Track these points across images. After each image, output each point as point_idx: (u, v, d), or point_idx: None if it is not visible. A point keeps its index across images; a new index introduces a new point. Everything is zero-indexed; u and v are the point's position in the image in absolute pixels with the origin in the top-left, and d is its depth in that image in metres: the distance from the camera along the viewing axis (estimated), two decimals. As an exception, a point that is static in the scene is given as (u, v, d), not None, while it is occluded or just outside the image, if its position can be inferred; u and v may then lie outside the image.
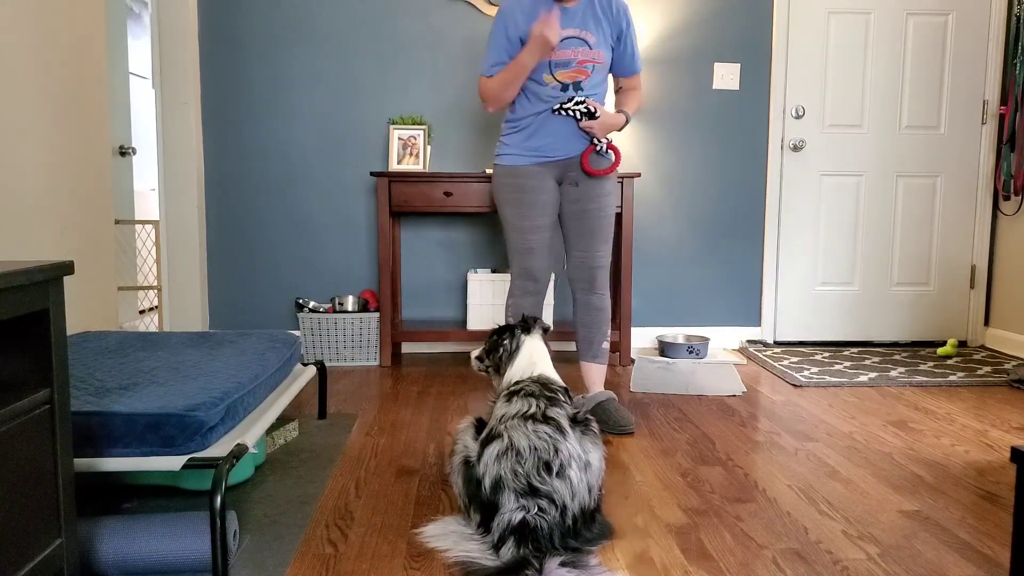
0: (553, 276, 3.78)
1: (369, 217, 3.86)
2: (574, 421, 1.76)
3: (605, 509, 1.89)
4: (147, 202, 5.70)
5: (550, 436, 1.65)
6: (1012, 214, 3.89)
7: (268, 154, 3.81)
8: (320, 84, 3.78)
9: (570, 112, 2.56)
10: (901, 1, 3.88)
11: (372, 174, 3.51)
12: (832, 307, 4.04)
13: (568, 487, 1.62)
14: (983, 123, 3.97)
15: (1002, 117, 3.89)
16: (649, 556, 1.68)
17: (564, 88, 2.56)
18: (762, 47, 3.90)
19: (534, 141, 2.61)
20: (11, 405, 1.15)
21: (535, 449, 1.63)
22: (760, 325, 4.05)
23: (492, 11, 3.75)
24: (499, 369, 2.04)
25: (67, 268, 1.26)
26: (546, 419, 1.69)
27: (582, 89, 2.58)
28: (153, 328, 4.06)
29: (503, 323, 2.19)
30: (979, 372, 3.41)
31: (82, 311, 2.74)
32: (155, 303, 3.92)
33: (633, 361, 3.64)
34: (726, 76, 3.90)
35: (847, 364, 3.56)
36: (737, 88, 3.91)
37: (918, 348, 3.97)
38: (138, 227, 4.34)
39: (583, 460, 1.67)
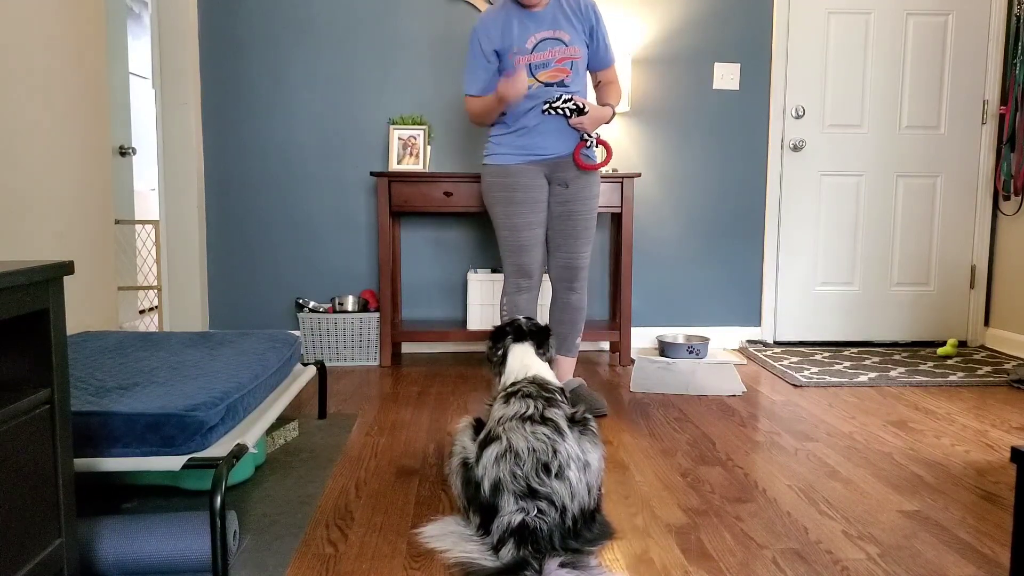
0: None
1: (369, 217, 3.86)
2: (572, 421, 1.76)
3: (605, 509, 1.89)
4: (147, 202, 5.70)
5: (548, 437, 1.65)
6: (1012, 214, 3.89)
7: (268, 154, 3.81)
8: (320, 84, 3.78)
9: (559, 111, 2.59)
10: (901, 1, 3.88)
11: (372, 174, 3.52)
12: (832, 307, 4.04)
13: (567, 488, 1.61)
14: (983, 123, 3.97)
15: (1002, 117, 3.89)
16: (649, 556, 1.68)
17: (547, 86, 2.61)
18: (762, 47, 3.90)
19: (525, 140, 2.65)
20: (11, 405, 1.15)
21: (534, 451, 1.63)
22: (760, 325, 4.05)
23: (492, 11, 3.75)
24: (499, 372, 2.08)
25: (67, 268, 1.26)
26: (544, 420, 1.69)
27: (566, 86, 2.62)
28: (153, 328, 4.06)
29: (499, 322, 2.21)
30: (979, 372, 3.41)
31: (82, 311, 2.74)
32: (155, 303, 3.93)
33: (633, 361, 3.64)
34: (726, 76, 3.90)
35: (847, 364, 3.56)
36: (737, 88, 3.91)
37: (918, 348, 3.97)
38: (138, 227, 4.34)
39: (582, 461, 1.67)
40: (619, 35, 3.83)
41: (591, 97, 3.08)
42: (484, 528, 1.64)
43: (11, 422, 1.15)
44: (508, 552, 1.56)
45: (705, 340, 3.76)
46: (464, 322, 3.78)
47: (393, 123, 3.71)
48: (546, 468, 1.61)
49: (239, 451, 1.66)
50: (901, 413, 2.82)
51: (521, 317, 2.21)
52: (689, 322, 4.04)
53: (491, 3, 3.76)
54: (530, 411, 1.71)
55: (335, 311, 3.65)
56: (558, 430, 1.68)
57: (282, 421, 2.49)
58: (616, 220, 3.72)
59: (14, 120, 2.35)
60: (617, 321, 3.68)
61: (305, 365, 2.61)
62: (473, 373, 3.48)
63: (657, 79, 3.89)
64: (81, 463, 1.58)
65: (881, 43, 3.91)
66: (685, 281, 4.02)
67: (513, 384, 1.88)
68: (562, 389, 1.90)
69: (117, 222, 3.65)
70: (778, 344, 4.05)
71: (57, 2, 2.58)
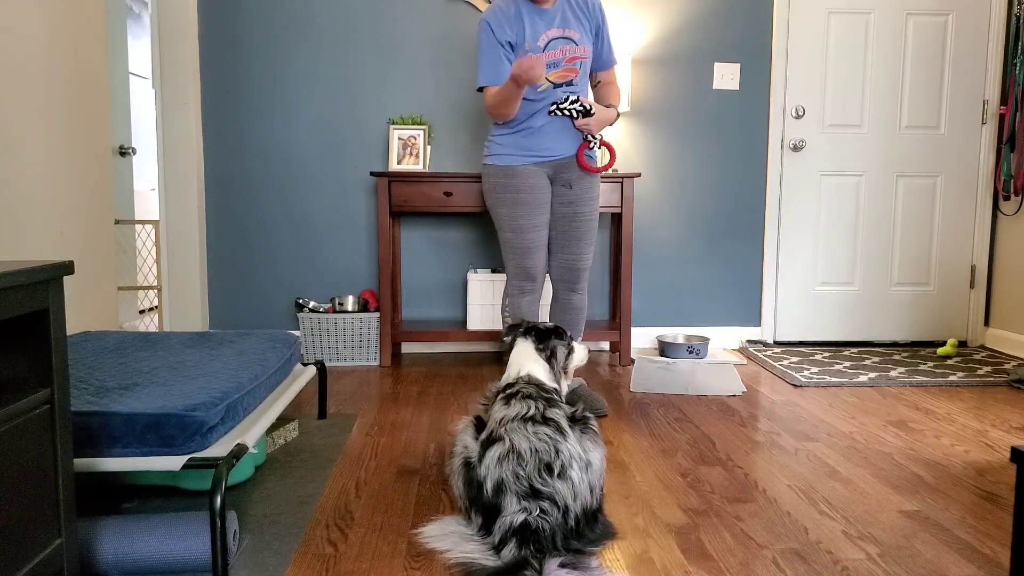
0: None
1: (369, 217, 3.86)
2: (573, 420, 1.77)
3: (605, 509, 1.89)
4: (147, 202, 5.70)
5: (550, 437, 1.65)
6: (1012, 214, 3.89)
7: (268, 154, 3.81)
8: (320, 84, 3.78)
9: (566, 112, 2.58)
10: (901, 1, 3.88)
11: (372, 174, 3.52)
12: (832, 307, 4.04)
13: (570, 488, 1.62)
14: (983, 123, 3.97)
15: (1002, 117, 3.89)
16: (649, 556, 1.68)
17: (556, 87, 2.58)
18: (762, 47, 3.90)
19: (530, 141, 2.63)
20: (11, 405, 1.15)
21: (536, 451, 1.63)
22: (760, 325, 4.05)
23: (492, 11, 3.75)
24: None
25: (67, 268, 1.26)
26: (546, 420, 1.69)
27: (573, 85, 2.61)
28: (153, 328, 4.06)
29: (502, 323, 2.21)
30: (979, 372, 3.41)
31: (82, 311, 2.74)
32: (155, 303, 3.93)
33: (633, 361, 3.64)
34: (726, 76, 3.90)
35: (847, 364, 3.56)
36: (737, 88, 3.91)
37: (918, 348, 3.97)
38: (138, 227, 4.34)
39: (584, 460, 1.67)
40: (619, 35, 3.83)
41: (590, 97, 3.07)
42: (486, 528, 1.64)
43: (11, 422, 1.15)
44: (510, 552, 1.56)
45: (705, 340, 3.76)
46: (464, 322, 3.78)
47: (393, 123, 3.71)
48: (548, 468, 1.61)
49: (239, 451, 1.66)
50: (901, 413, 2.82)
51: (541, 325, 2.15)
52: (689, 322, 4.04)
53: (490, 3, 3.76)
54: (531, 412, 1.71)
55: (335, 311, 3.65)
56: (560, 430, 1.68)
57: (282, 421, 2.49)
58: (616, 220, 3.72)
59: (14, 120, 2.35)
60: (617, 321, 3.68)
61: (305, 365, 2.61)
62: (473, 373, 3.48)
63: (657, 79, 3.88)
64: (81, 463, 1.58)
65: (881, 43, 3.91)
66: (685, 281, 4.02)
67: (510, 384, 1.87)
68: (556, 389, 1.90)
69: (117, 222, 3.65)
70: (778, 344, 4.05)
71: (57, 2, 2.58)
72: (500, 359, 2.15)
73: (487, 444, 1.69)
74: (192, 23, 3.64)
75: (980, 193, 4.00)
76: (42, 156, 2.50)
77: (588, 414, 1.81)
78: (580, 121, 2.60)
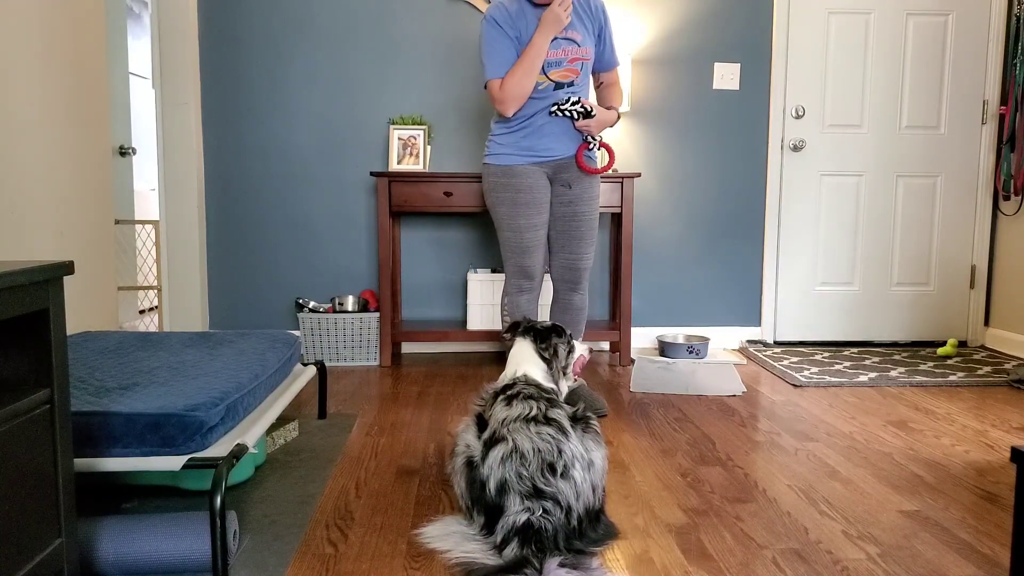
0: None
1: (369, 217, 3.86)
2: (574, 420, 1.77)
3: (605, 509, 1.89)
4: (147, 202, 5.70)
5: (553, 437, 1.65)
6: (1012, 214, 3.89)
7: (268, 154, 3.81)
8: (320, 84, 3.78)
9: (567, 112, 2.59)
10: (901, 1, 3.88)
11: (372, 174, 3.52)
12: (832, 307, 4.04)
13: (572, 487, 1.62)
14: (983, 123, 3.97)
15: (1002, 117, 3.89)
16: (649, 556, 1.68)
17: (558, 87, 2.59)
18: (762, 47, 3.90)
19: (530, 141, 2.63)
20: (11, 405, 1.15)
21: (539, 451, 1.63)
22: (760, 325, 4.05)
23: (492, 11, 3.75)
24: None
25: (67, 268, 1.26)
26: (548, 420, 1.69)
27: (574, 86, 2.62)
28: (153, 328, 4.05)
29: (501, 322, 2.21)
30: (979, 372, 3.41)
31: (82, 311, 2.74)
32: (155, 303, 3.93)
33: (633, 361, 3.64)
34: (726, 76, 3.90)
35: (847, 364, 3.56)
36: (737, 88, 3.91)
37: (918, 348, 3.97)
38: (138, 227, 4.34)
39: (586, 459, 1.67)
40: (619, 35, 3.83)
41: (592, 98, 3.08)
42: (488, 528, 1.64)
43: (11, 422, 1.15)
44: (512, 552, 1.56)
45: (705, 340, 3.76)
46: (464, 322, 3.78)
47: (393, 123, 3.71)
48: (551, 468, 1.61)
49: (239, 451, 1.66)
50: (901, 413, 2.82)
51: (540, 324, 2.15)
52: (689, 322, 4.04)
53: (491, 2, 3.76)
54: (533, 412, 1.71)
55: (335, 311, 3.65)
56: (562, 430, 1.68)
57: (282, 421, 2.49)
58: (616, 220, 3.72)
59: (14, 120, 2.35)
60: (617, 321, 3.68)
61: (305, 365, 2.61)
62: (473, 373, 3.48)
63: (657, 79, 3.88)
64: (81, 463, 1.58)
65: (881, 43, 3.91)
66: (685, 281, 4.02)
67: (508, 385, 1.87)
68: (553, 390, 1.91)
69: (117, 222, 3.65)
70: (778, 344, 4.05)
71: (57, 2, 2.58)
72: (500, 359, 2.16)
73: (490, 444, 1.69)
74: (192, 23, 3.64)
75: (980, 193, 4.00)
76: (42, 156, 2.50)
77: (589, 414, 1.81)
78: (580, 122, 2.61)
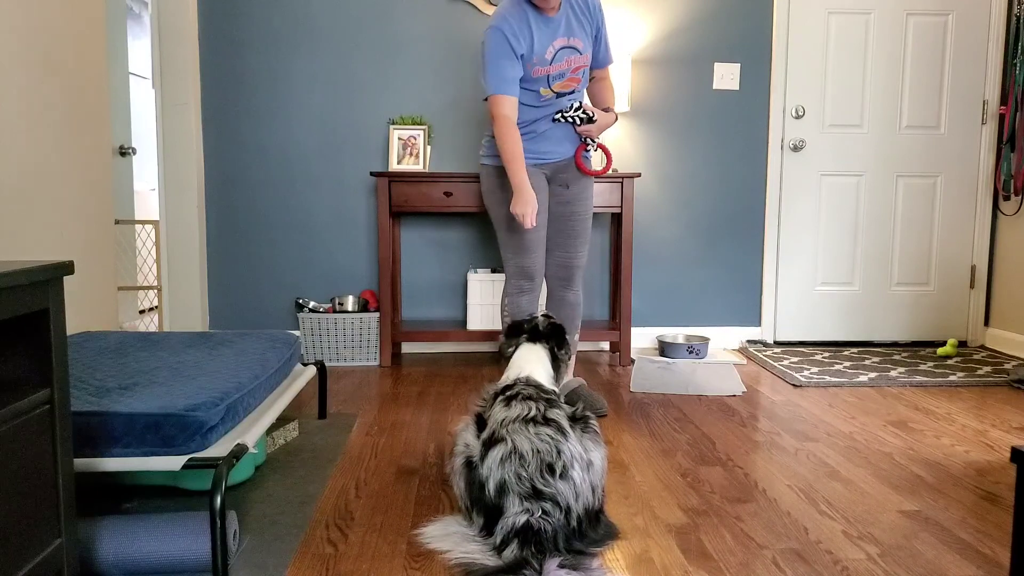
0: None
1: (369, 217, 3.86)
2: (573, 420, 1.77)
3: (605, 509, 1.89)
4: (147, 202, 5.70)
5: (552, 438, 1.65)
6: (1012, 214, 3.89)
7: (268, 154, 3.81)
8: (320, 84, 3.78)
9: (570, 119, 2.63)
10: (901, 1, 3.88)
11: (372, 174, 3.52)
12: (832, 307, 4.04)
13: (571, 488, 1.62)
14: (983, 123, 3.96)
15: (1002, 117, 3.89)
16: (649, 556, 1.68)
17: (559, 96, 2.61)
18: (762, 47, 3.90)
19: (533, 145, 2.66)
20: (11, 405, 1.15)
21: (538, 452, 1.63)
22: (760, 325, 4.05)
23: (492, 11, 3.75)
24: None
25: (67, 268, 1.26)
26: (547, 421, 1.69)
27: (574, 93, 2.64)
28: (153, 328, 4.05)
29: (501, 322, 2.22)
30: (979, 372, 3.41)
31: (82, 311, 2.74)
32: (155, 303, 3.93)
33: (633, 361, 3.64)
34: (726, 76, 3.90)
35: (847, 364, 3.56)
36: (737, 88, 3.91)
37: (918, 348, 3.97)
38: (138, 227, 4.34)
39: (585, 460, 1.67)
40: (619, 35, 3.83)
41: (586, 98, 3.09)
42: (487, 529, 1.64)
43: (11, 422, 1.15)
44: (512, 553, 1.56)
45: (705, 340, 3.76)
46: (464, 322, 3.78)
47: (393, 123, 3.71)
48: (550, 469, 1.61)
49: (239, 451, 1.66)
50: (901, 413, 2.82)
51: (540, 316, 2.19)
52: (689, 322, 4.04)
53: (492, 3, 3.76)
54: (532, 413, 1.71)
55: (335, 311, 3.65)
56: (561, 430, 1.68)
57: (282, 421, 2.49)
58: (616, 220, 3.72)
59: (14, 120, 2.35)
60: (617, 321, 3.68)
61: (305, 365, 2.61)
62: (473, 373, 3.48)
63: (657, 79, 3.88)
64: (81, 463, 1.58)
65: (881, 43, 3.90)
66: (685, 281, 4.02)
67: (509, 385, 1.87)
68: (554, 391, 1.91)
69: (117, 222, 3.65)
70: (778, 344, 4.05)
71: (57, 2, 2.58)
72: (500, 359, 2.17)
73: (489, 445, 1.69)
74: (192, 23, 3.64)
75: (980, 193, 4.00)
76: (42, 156, 2.50)
77: (588, 414, 1.81)
78: (583, 127, 2.64)
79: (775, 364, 3.54)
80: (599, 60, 2.73)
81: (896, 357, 3.73)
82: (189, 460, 1.61)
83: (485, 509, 1.65)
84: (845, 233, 4.01)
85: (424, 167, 3.68)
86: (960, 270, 4.05)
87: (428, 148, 3.73)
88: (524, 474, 1.61)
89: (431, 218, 3.90)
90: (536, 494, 1.59)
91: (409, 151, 3.68)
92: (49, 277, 1.22)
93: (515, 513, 1.58)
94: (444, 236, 3.91)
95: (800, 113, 3.91)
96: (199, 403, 1.66)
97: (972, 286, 4.05)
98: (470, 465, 1.71)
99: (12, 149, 2.34)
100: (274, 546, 1.72)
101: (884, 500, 2.00)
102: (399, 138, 3.68)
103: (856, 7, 3.87)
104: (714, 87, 3.90)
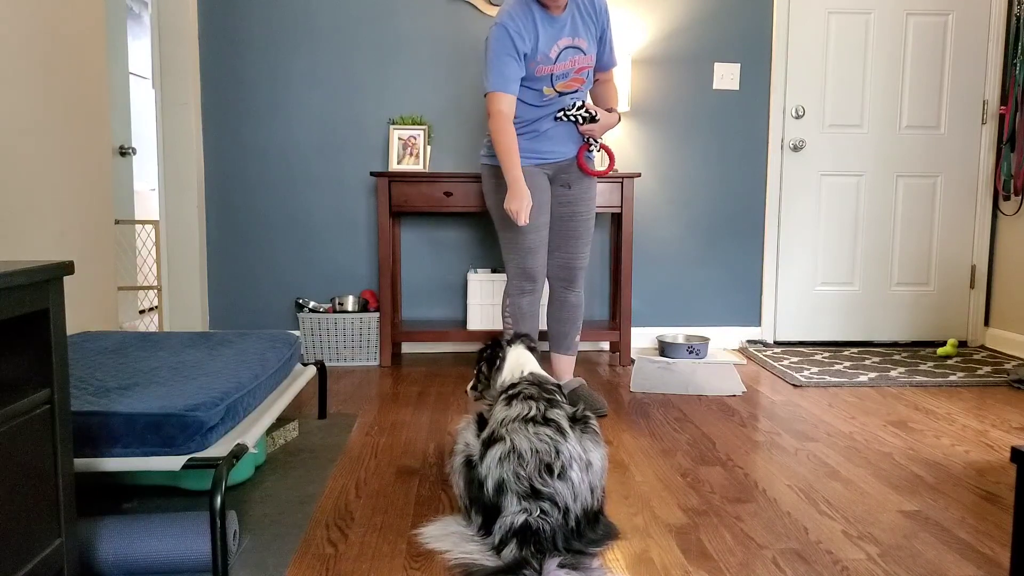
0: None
1: (369, 217, 3.86)
2: (573, 420, 1.77)
3: (605, 509, 1.89)
4: (147, 202, 5.70)
5: (551, 438, 1.65)
6: (1012, 214, 3.89)
7: (268, 154, 3.81)
8: (320, 84, 3.78)
9: (572, 118, 2.62)
10: (901, 1, 3.88)
11: (372, 174, 3.52)
12: (832, 307, 4.04)
13: (570, 488, 1.62)
14: (983, 123, 3.96)
15: (1002, 117, 3.89)
16: (649, 556, 1.68)
17: (562, 95, 2.61)
18: (762, 47, 3.90)
19: (535, 144, 2.65)
20: (11, 405, 1.15)
21: (537, 451, 1.63)
22: (760, 325, 4.05)
23: (492, 11, 3.75)
24: (490, 383, 2.08)
25: (67, 268, 1.26)
26: (546, 421, 1.69)
27: (577, 92, 2.63)
28: (153, 328, 4.05)
29: (502, 323, 2.22)
30: (979, 372, 3.41)
31: (82, 311, 2.74)
32: (155, 303, 3.93)
33: (633, 361, 3.64)
34: (726, 76, 3.90)
35: (847, 364, 3.56)
36: (737, 88, 3.91)
37: (918, 348, 3.97)
38: (138, 227, 4.34)
39: (584, 460, 1.67)
40: (619, 35, 3.83)
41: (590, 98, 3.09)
42: (486, 528, 1.64)
43: (11, 422, 1.15)
44: (510, 552, 1.56)
45: (705, 340, 3.76)
46: (464, 322, 3.78)
47: (393, 123, 3.71)
48: (549, 469, 1.61)
49: (239, 451, 1.66)
50: (901, 413, 2.82)
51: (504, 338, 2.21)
52: (689, 322, 4.04)
53: (492, 3, 3.76)
54: (532, 412, 1.71)
55: (335, 311, 3.65)
56: (560, 430, 1.68)
57: (282, 421, 2.49)
58: (616, 220, 3.72)
59: (14, 120, 2.35)
60: (617, 321, 3.68)
61: (305, 365, 2.61)
62: (473, 373, 3.47)
63: (657, 79, 3.88)
64: (81, 463, 1.58)
65: (881, 43, 3.90)
66: (685, 281, 4.02)
67: (511, 385, 1.88)
68: (558, 385, 1.92)
69: (117, 222, 3.65)
70: (778, 344, 4.05)
71: (57, 2, 2.58)
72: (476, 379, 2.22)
73: (488, 443, 1.69)
74: (192, 23, 3.64)
75: (980, 193, 4.00)
76: (42, 156, 2.50)
77: (588, 414, 1.81)
78: (585, 127, 2.63)
79: (775, 364, 3.54)
80: (603, 63, 2.72)
81: (896, 357, 3.73)
82: (189, 460, 1.61)
83: (484, 508, 1.65)
84: (845, 233, 4.01)
85: (424, 167, 3.68)
86: (960, 270, 4.05)
87: (428, 148, 3.73)
88: (522, 473, 1.61)
89: (431, 218, 3.90)
90: (534, 494, 1.59)
91: (409, 151, 3.68)
92: (49, 277, 1.22)
93: (513, 512, 1.58)
94: (444, 236, 3.91)
95: (800, 113, 3.91)
96: (199, 403, 1.66)
97: (972, 286, 4.05)
98: (470, 464, 1.72)
99: (12, 149, 2.34)
100: (274, 546, 1.72)
101: (884, 500, 2.00)
102: (399, 138, 3.68)
103: (856, 7, 3.87)
104: (714, 87, 3.90)
